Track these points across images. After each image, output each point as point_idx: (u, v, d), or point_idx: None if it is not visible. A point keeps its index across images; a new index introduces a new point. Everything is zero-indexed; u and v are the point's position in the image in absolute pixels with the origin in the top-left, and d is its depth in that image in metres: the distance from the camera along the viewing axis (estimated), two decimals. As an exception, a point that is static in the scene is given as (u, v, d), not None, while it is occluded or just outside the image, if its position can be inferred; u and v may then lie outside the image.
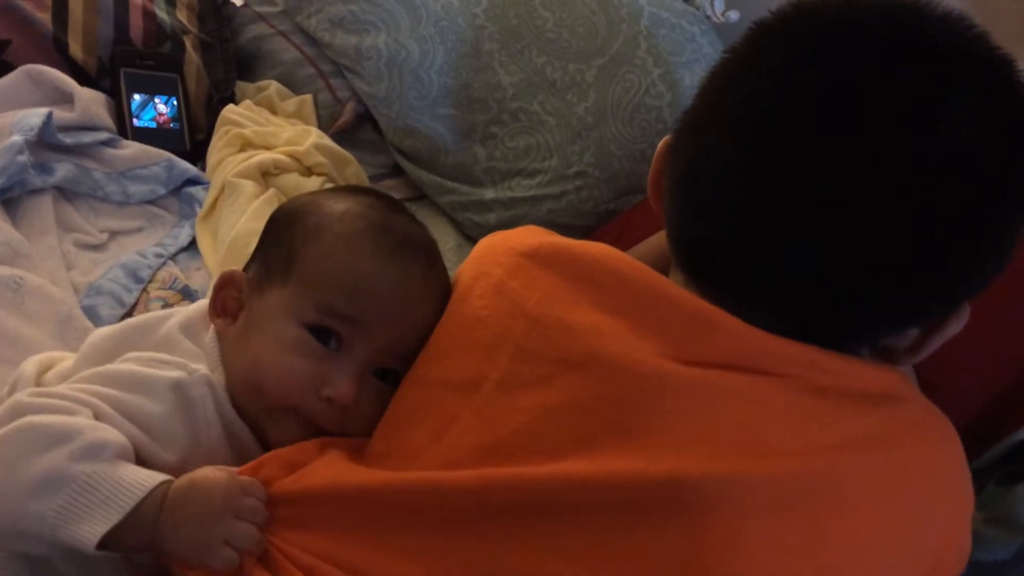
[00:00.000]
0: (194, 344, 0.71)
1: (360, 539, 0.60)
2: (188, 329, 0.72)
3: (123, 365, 0.68)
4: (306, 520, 0.62)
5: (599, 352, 0.60)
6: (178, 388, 0.67)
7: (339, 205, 0.74)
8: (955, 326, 0.63)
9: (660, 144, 0.69)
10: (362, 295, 0.70)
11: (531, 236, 0.71)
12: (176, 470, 0.64)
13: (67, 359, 0.76)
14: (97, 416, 0.63)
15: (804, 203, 0.58)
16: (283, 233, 0.74)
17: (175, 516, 0.59)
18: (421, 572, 0.58)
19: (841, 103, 0.56)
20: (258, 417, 0.70)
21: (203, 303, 0.76)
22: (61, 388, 0.64)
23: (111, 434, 0.61)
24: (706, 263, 0.64)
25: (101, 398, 0.64)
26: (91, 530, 0.57)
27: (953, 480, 0.64)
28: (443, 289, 0.74)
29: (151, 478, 0.60)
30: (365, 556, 0.60)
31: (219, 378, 0.70)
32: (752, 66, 0.61)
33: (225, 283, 0.74)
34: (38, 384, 0.71)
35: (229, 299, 0.74)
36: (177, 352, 0.70)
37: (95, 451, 0.59)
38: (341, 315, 0.69)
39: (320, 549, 0.61)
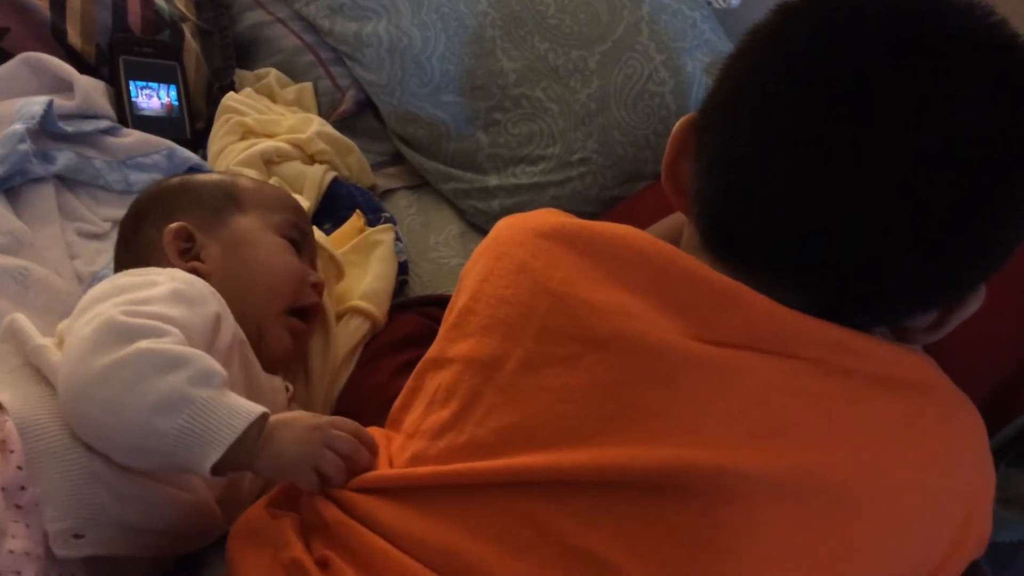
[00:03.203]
0: None
1: (392, 506, 0.62)
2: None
3: (123, 275, 0.78)
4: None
5: (623, 331, 0.60)
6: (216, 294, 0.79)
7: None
8: (973, 305, 0.64)
9: (676, 128, 0.69)
10: (299, 209, 0.96)
11: (550, 217, 0.71)
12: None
13: None
14: (185, 329, 0.70)
15: (834, 184, 0.58)
16: (197, 189, 0.92)
17: (273, 442, 0.66)
18: (458, 530, 0.60)
19: (865, 88, 0.57)
20: (260, 325, 0.85)
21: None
22: (140, 307, 0.70)
23: (216, 364, 0.67)
24: (737, 242, 0.64)
25: (161, 306, 0.71)
26: (209, 452, 0.63)
27: (976, 465, 0.64)
28: None
29: (256, 407, 0.66)
30: (399, 517, 0.62)
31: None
32: (784, 47, 0.61)
33: (179, 235, 0.87)
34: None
35: (184, 250, 0.87)
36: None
37: (207, 377, 0.65)
38: (297, 226, 0.93)
39: (354, 512, 0.63)
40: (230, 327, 0.79)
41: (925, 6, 0.59)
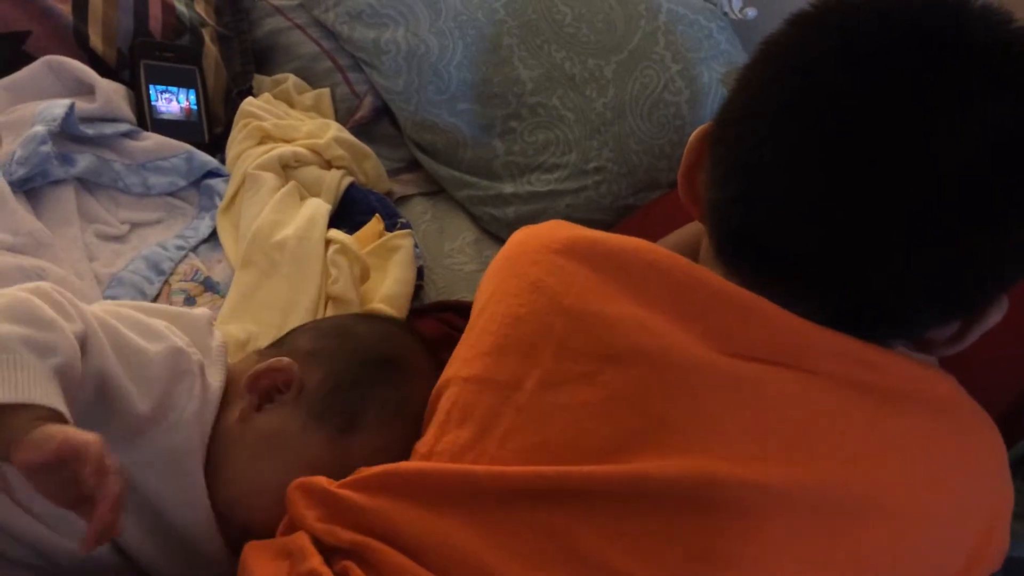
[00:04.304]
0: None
1: (413, 509, 0.61)
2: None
3: (139, 315, 0.72)
4: (360, 499, 0.63)
5: (641, 346, 0.60)
6: (180, 353, 0.70)
7: (414, 387, 0.75)
8: (994, 317, 0.63)
9: (692, 136, 0.69)
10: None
11: (561, 230, 0.70)
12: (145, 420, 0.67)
13: None
14: (86, 335, 0.64)
15: (851, 193, 0.58)
16: (363, 383, 0.74)
17: (29, 440, 0.56)
18: (478, 539, 0.59)
19: (884, 97, 0.57)
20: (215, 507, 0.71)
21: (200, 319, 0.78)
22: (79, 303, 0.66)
23: (68, 347, 0.61)
24: (752, 252, 0.64)
25: (103, 326, 0.66)
26: None
27: (994, 482, 0.64)
28: None
29: (54, 399, 0.58)
30: (418, 523, 0.61)
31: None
32: (799, 57, 0.61)
33: (279, 371, 0.74)
34: None
35: (272, 389, 0.74)
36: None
37: (43, 349, 0.60)
38: None
39: (371, 525, 0.62)
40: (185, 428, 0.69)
41: (944, 14, 0.58)
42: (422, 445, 0.68)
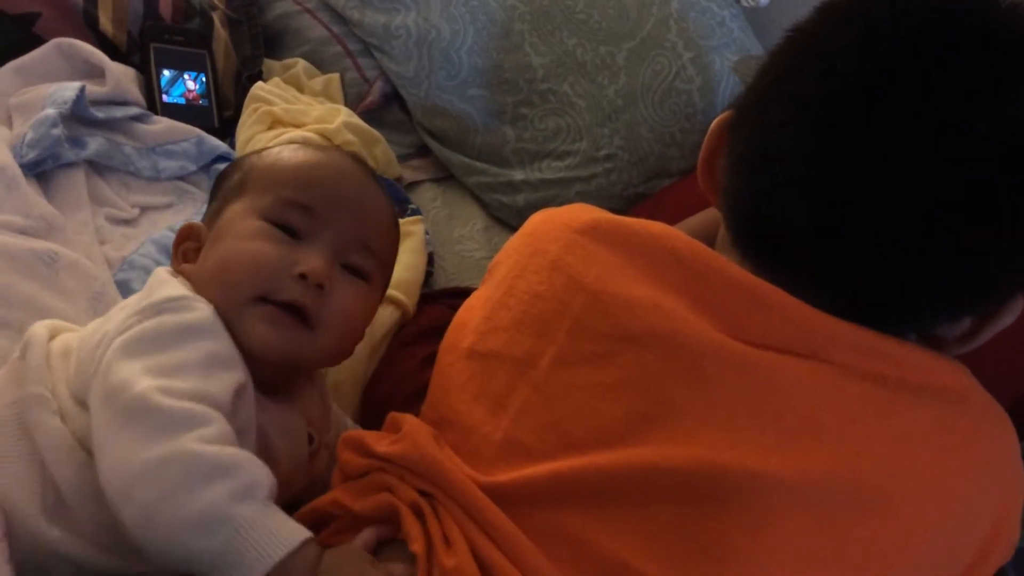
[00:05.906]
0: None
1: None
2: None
3: (156, 320, 0.67)
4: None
5: (658, 329, 0.60)
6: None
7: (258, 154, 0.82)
8: (1008, 317, 0.63)
9: (714, 123, 0.69)
10: (314, 184, 0.75)
11: (585, 213, 0.71)
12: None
13: (70, 329, 0.77)
14: (220, 406, 0.63)
15: (870, 185, 0.58)
16: (232, 173, 0.80)
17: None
18: (498, 556, 0.59)
19: (910, 88, 0.57)
20: (229, 326, 0.70)
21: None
22: (174, 383, 0.63)
23: (262, 473, 0.62)
24: (765, 241, 0.63)
25: (195, 378, 0.64)
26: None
27: (1007, 474, 0.64)
28: (387, 199, 0.80)
29: (298, 533, 0.60)
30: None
31: None
32: (825, 45, 0.61)
33: (185, 235, 0.78)
34: (49, 351, 0.72)
35: (190, 250, 0.78)
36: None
37: (251, 491, 0.60)
38: (298, 204, 0.74)
39: None
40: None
41: (971, 6, 0.58)
42: (433, 417, 0.68)
